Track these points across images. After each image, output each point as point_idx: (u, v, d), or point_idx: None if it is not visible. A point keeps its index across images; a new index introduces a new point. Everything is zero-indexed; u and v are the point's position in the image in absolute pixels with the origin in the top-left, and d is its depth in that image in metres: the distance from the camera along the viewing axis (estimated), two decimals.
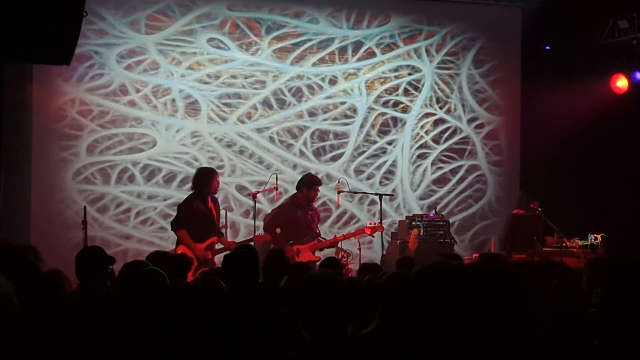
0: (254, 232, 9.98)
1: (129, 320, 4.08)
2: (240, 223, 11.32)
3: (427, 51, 12.14)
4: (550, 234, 10.48)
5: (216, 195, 9.64)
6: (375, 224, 10.18)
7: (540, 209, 10.38)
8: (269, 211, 10.59)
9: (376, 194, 10.93)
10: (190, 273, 7.33)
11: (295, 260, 8.98)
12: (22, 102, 10.41)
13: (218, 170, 11.24)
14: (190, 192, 9.55)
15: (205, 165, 11.13)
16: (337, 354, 3.09)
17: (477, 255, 9.41)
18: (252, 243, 9.13)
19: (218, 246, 9.37)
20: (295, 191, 10.20)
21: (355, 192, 11.61)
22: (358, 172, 11.89)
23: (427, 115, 12.17)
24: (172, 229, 9.38)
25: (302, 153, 11.68)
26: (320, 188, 10.16)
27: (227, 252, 9.00)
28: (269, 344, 4.32)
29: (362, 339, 3.48)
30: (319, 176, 10.72)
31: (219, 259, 9.26)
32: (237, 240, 10.29)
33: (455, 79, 12.27)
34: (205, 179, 9.35)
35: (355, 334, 3.73)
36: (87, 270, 5.02)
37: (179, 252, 8.62)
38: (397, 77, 12.04)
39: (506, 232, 10.93)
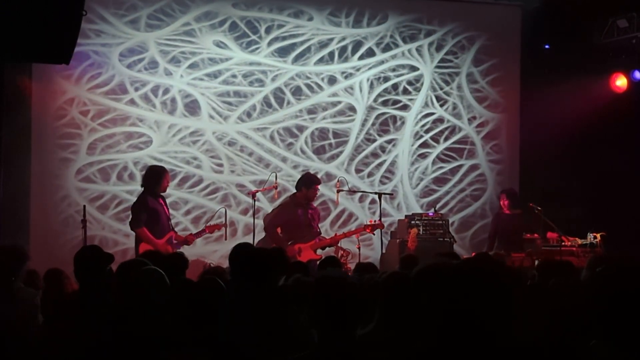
0: (253, 231, 10.00)
1: (129, 320, 4.08)
2: (240, 221, 11.32)
3: (427, 50, 12.14)
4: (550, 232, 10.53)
5: (163, 194, 9.54)
6: (375, 221, 10.21)
7: (539, 208, 10.40)
8: (269, 210, 10.61)
9: (376, 193, 10.94)
10: None
11: (297, 259, 9.01)
12: (22, 101, 10.41)
13: (218, 168, 11.30)
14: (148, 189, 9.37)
15: (209, 163, 11.17)
16: (347, 355, 3.08)
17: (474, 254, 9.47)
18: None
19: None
20: (295, 190, 10.23)
21: (355, 191, 11.61)
22: (358, 170, 11.89)
23: (427, 114, 12.18)
24: (131, 229, 9.35)
25: (302, 152, 11.68)
26: (319, 187, 10.18)
27: (185, 245, 9.28)
28: (277, 342, 4.31)
29: (361, 339, 3.47)
30: (319, 175, 10.74)
31: None
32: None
33: (455, 78, 12.28)
34: (157, 177, 9.36)
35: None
36: (85, 270, 5.02)
37: (141, 250, 8.63)
38: (396, 76, 12.04)
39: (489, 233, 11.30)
